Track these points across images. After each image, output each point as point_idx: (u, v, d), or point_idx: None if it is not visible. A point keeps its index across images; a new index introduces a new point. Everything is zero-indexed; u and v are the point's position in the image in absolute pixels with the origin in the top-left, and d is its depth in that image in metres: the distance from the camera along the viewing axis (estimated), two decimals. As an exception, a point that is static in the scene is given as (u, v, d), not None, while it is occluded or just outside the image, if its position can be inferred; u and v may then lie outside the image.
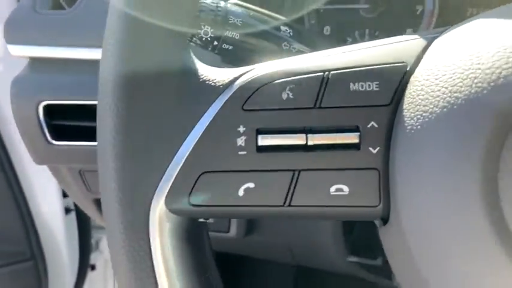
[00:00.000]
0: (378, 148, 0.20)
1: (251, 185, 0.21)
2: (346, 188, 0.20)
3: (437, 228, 0.18)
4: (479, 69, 0.18)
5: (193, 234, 0.23)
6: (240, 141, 0.21)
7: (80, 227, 0.91)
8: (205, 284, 0.23)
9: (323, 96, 0.21)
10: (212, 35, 0.33)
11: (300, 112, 0.21)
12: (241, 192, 0.21)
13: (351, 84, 0.21)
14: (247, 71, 0.22)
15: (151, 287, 0.21)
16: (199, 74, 0.22)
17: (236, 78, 0.22)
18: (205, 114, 0.21)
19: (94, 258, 1.07)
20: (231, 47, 0.33)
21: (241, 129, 0.21)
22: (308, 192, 0.21)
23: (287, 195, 0.21)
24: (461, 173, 0.18)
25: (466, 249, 0.18)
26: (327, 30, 0.55)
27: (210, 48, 0.34)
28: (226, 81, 0.22)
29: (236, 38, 0.33)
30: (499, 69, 0.18)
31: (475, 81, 0.18)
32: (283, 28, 0.35)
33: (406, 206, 0.19)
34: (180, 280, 0.22)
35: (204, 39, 0.33)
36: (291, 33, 0.35)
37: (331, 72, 0.21)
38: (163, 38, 0.22)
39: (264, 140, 0.21)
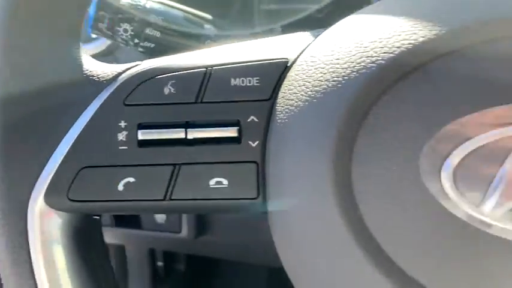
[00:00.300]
0: (257, 142, 0.21)
1: (131, 179, 0.21)
2: (225, 181, 0.21)
3: (297, 222, 0.19)
4: (338, 64, 0.19)
5: (84, 232, 0.23)
6: (121, 136, 0.21)
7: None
8: (94, 282, 0.23)
9: (205, 91, 0.21)
10: (133, 33, 0.33)
11: (181, 107, 0.21)
12: (120, 187, 0.21)
13: (232, 79, 0.21)
14: (132, 67, 0.22)
15: (30, 282, 0.21)
16: (84, 70, 0.22)
17: (119, 74, 0.22)
18: (87, 109, 0.21)
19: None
20: (153, 45, 0.33)
21: (123, 124, 0.21)
22: (188, 185, 0.21)
23: (167, 189, 0.21)
24: (315, 167, 0.18)
25: (320, 241, 0.18)
26: (278, 30, 0.55)
27: (132, 46, 0.34)
28: (110, 76, 0.22)
29: (157, 36, 0.33)
30: (353, 64, 0.18)
31: (333, 75, 0.18)
32: (206, 26, 0.35)
33: (275, 198, 0.19)
34: (65, 278, 0.22)
35: (124, 36, 0.33)
36: (216, 31, 0.36)
37: (213, 68, 0.21)
38: (45, 33, 0.22)
39: (144, 135, 0.21)
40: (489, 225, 0.16)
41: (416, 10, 0.19)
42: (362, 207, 0.17)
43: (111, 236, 0.68)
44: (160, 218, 0.59)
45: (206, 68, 0.21)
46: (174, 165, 0.21)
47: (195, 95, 0.21)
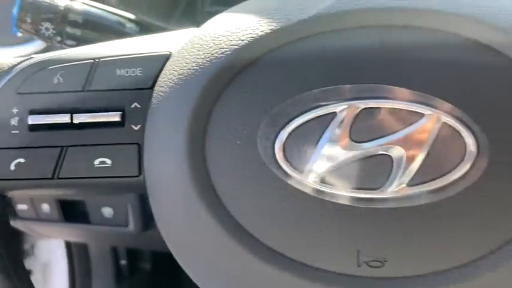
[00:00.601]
0: (140, 126, 0.23)
1: (22, 160, 0.23)
2: (109, 161, 0.23)
3: (161, 193, 0.21)
4: (198, 55, 0.21)
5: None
6: (13, 121, 0.23)
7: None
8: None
9: (91, 80, 0.24)
10: (54, 31, 0.35)
11: (69, 94, 0.23)
12: (12, 167, 0.23)
13: (117, 70, 0.24)
14: (27, 59, 0.24)
15: None
16: None
17: (15, 66, 0.24)
18: None
19: (29, 263, 1.06)
20: (74, 43, 0.36)
21: (15, 110, 0.23)
22: (74, 165, 0.23)
23: (55, 168, 0.23)
24: (173, 143, 0.21)
25: (178, 208, 0.21)
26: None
27: (57, 43, 0.36)
28: (6, 68, 0.24)
29: (78, 34, 0.35)
30: (208, 55, 0.21)
31: (193, 65, 0.21)
32: (128, 25, 0.38)
33: (147, 173, 0.22)
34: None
35: (47, 35, 0.35)
36: (138, 30, 0.38)
37: (100, 59, 0.24)
38: None
39: (34, 120, 0.23)
40: (309, 188, 0.19)
41: (268, 9, 0.22)
42: (213, 177, 0.20)
43: (66, 234, 0.70)
44: (107, 212, 0.61)
45: (94, 59, 0.24)
46: (62, 147, 0.23)
47: (82, 84, 0.24)
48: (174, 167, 0.21)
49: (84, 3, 0.36)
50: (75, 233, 0.69)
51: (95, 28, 0.36)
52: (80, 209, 0.60)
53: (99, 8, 0.37)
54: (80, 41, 0.36)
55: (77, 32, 0.35)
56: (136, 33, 0.38)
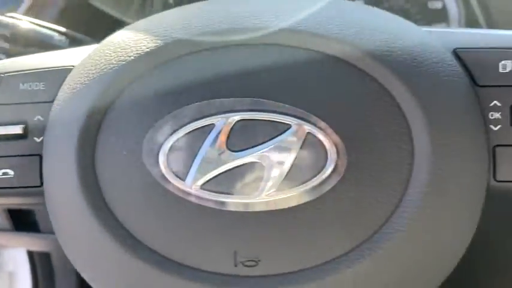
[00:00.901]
0: (42, 138, 0.24)
1: None
2: (11, 172, 0.24)
3: (54, 200, 0.22)
4: (90, 70, 0.23)
5: None
6: None
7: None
8: None
9: None
10: (-18, 45, 0.36)
11: None
12: None
13: (21, 84, 0.25)
14: None
15: None
16: None
17: None
18: None
19: (-6, 272, 1.04)
20: (4, 56, 0.36)
21: None
22: None
23: None
24: (64, 151, 0.22)
25: (70, 217, 0.22)
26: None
27: (-14, 57, 0.37)
28: None
29: (7, 47, 0.36)
30: (98, 70, 0.22)
31: (85, 79, 0.23)
32: (57, 38, 0.38)
33: (45, 183, 0.23)
34: None
35: (-26, 49, 0.36)
36: (68, 42, 0.39)
37: (5, 74, 0.25)
38: None
39: None
40: (190, 194, 0.21)
41: (155, 28, 0.23)
42: (103, 186, 0.22)
43: (22, 243, 0.69)
44: (57, 220, 0.61)
45: None
46: None
47: None
48: (65, 176, 0.22)
49: (12, 17, 0.37)
50: (30, 242, 0.69)
51: (23, 41, 0.37)
52: (30, 219, 0.60)
53: (27, 22, 0.38)
54: (9, 55, 0.37)
55: (6, 45, 0.36)
56: (66, 46, 0.39)
